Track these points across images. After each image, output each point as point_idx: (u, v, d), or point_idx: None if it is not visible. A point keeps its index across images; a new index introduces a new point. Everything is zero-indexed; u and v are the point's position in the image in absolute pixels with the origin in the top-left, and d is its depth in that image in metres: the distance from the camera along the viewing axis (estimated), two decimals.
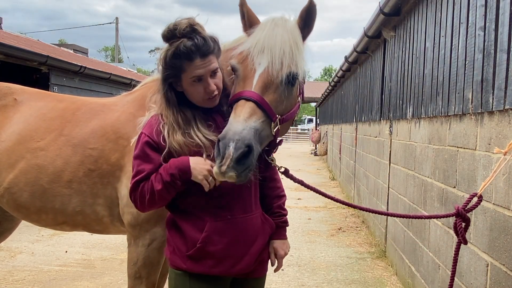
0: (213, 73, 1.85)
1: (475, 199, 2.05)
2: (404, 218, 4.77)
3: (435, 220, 3.67)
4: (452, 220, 2.10)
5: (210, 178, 1.77)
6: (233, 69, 1.89)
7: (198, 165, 1.77)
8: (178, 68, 1.82)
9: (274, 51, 1.79)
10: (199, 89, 1.84)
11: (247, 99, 1.73)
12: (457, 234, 2.04)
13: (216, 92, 1.86)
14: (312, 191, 2.18)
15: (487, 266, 2.62)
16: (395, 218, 5.27)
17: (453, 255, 2.10)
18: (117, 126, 2.49)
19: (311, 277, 4.85)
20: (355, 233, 6.89)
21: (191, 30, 1.81)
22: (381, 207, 6.18)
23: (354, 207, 2.33)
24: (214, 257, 1.85)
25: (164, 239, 2.33)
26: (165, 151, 1.83)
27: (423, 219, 4.04)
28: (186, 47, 1.78)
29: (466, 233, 2.05)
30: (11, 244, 5.74)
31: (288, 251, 2.12)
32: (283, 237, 2.11)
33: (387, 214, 2.53)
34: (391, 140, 5.71)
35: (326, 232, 6.93)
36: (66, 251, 5.62)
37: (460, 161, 3.14)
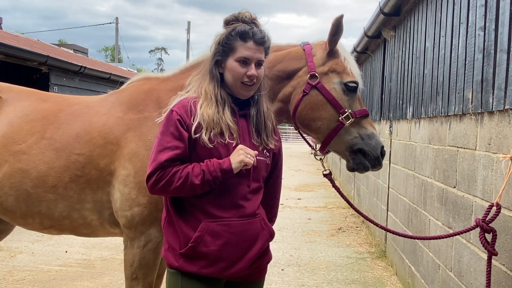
0: (258, 64, 1.91)
1: (494, 208, 2.03)
2: (406, 219, 4.77)
3: (435, 220, 3.67)
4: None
5: (247, 159, 1.81)
6: (356, 88, 2.39)
7: (235, 160, 1.81)
8: (229, 45, 1.89)
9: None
10: (241, 71, 1.87)
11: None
12: (486, 248, 2.02)
13: (255, 81, 1.90)
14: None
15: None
16: (395, 218, 5.28)
17: (486, 271, 2.07)
18: (104, 131, 2.42)
19: (311, 277, 4.85)
20: (355, 233, 6.89)
21: (252, 21, 1.92)
22: (381, 207, 6.18)
23: (394, 233, 2.69)
24: (206, 258, 1.83)
25: (159, 240, 2.33)
26: (193, 127, 1.83)
27: (423, 218, 4.04)
28: (243, 28, 1.88)
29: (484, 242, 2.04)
30: (11, 244, 5.75)
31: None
32: None
33: (417, 238, 2.62)
34: (391, 140, 5.71)
35: (326, 232, 6.93)
36: (66, 251, 5.62)
37: (460, 161, 3.14)
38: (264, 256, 1.98)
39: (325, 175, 2.48)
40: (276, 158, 2.07)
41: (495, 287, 2.52)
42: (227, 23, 1.94)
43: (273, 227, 2.08)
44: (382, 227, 2.67)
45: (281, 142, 2.12)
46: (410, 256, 4.43)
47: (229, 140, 1.85)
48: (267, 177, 2.05)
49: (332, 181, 2.47)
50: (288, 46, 2.51)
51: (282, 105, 2.45)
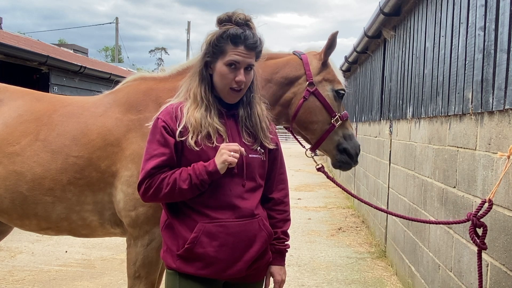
0: (248, 68, 1.88)
1: (486, 204, 2.05)
2: (408, 222, 4.77)
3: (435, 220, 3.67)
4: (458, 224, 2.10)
5: (231, 157, 1.77)
6: (343, 94, 2.71)
7: (219, 160, 1.79)
8: (220, 48, 1.85)
9: None
10: (229, 75, 1.85)
11: None
12: (474, 242, 2.04)
13: (242, 86, 1.87)
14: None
15: (487, 266, 2.62)
16: (395, 218, 5.27)
17: (477, 265, 2.08)
18: (104, 133, 2.41)
19: (311, 277, 4.85)
20: (355, 233, 6.89)
21: (245, 22, 1.88)
22: (381, 207, 6.17)
23: (387, 212, 2.88)
24: (203, 259, 1.82)
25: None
26: (178, 130, 1.83)
27: (423, 218, 4.04)
28: (235, 32, 1.84)
29: (481, 238, 2.05)
30: (11, 244, 5.75)
31: (285, 277, 2.06)
32: (282, 263, 2.06)
33: (413, 219, 2.72)
34: (391, 140, 5.71)
35: (326, 232, 6.93)
36: (66, 251, 5.62)
37: (460, 161, 3.14)
38: (263, 257, 1.96)
39: (318, 169, 2.75)
40: (274, 153, 2.03)
41: (495, 287, 2.52)
42: (220, 22, 1.90)
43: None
44: (381, 209, 2.84)
45: (276, 135, 2.09)
46: (410, 256, 4.43)
47: (217, 144, 1.83)
48: (270, 174, 2.03)
49: (325, 173, 2.71)
50: (283, 54, 2.72)
51: (282, 108, 2.67)
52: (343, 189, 2.85)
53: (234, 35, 1.83)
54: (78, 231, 2.56)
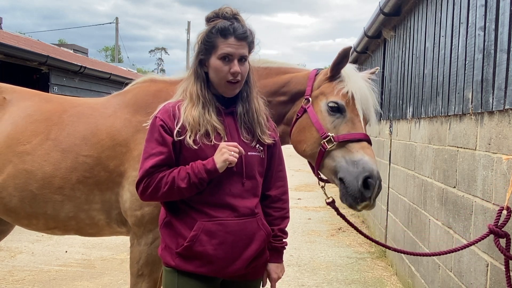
0: (242, 59, 1.88)
1: (505, 212, 2.04)
2: (406, 219, 4.77)
3: (435, 220, 3.67)
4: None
5: (231, 157, 1.77)
6: (339, 108, 2.20)
7: (219, 159, 1.79)
8: (211, 43, 1.87)
9: (369, 103, 2.25)
10: (224, 68, 1.85)
11: (370, 144, 2.16)
12: (502, 252, 2.04)
13: (239, 78, 1.87)
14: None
15: (487, 266, 2.62)
16: (395, 218, 5.28)
17: (505, 275, 2.08)
18: (112, 133, 2.44)
19: (311, 277, 4.85)
20: (355, 233, 6.86)
21: (233, 16, 1.89)
22: (381, 207, 6.18)
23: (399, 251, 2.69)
24: (202, 257, 1.83)
25: None
26: (176, 130, 1.83)
27: (423, 218, 4.05)
28: (223, 25, 1.86)
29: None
30: (11, 244, 5.75)
31: (282, 274, 2.07)
32: (279, 260, 2.06)
33: (433, 254, 2.58)
34: (391, 140, 5.72)
35: (326, 232, 6.93)
36: (66, 251, 5.62)
37: (460, 161, 3.14)
38: (261, 256, 1.97)
39: (328, 203, 2.38)
40: (272, 149, 2.03)
41: (495, 287, 2.52)
42: (208, 20, 1.92)
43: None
44: (401, 251, 2.70)
45: (275, 131, 2.07)
46: (410, 256, 4.43)
47: (215, 142, 1.83)
48: (268, 171, 2.02)
49: (336, 209, 2.39)
50: (301, 70, 2.52)
51: (286, 127, 2.45)
52: (353, 226, 2.66)
53: (223, 28, 1.85)
54: (85, 230, 2.59)
